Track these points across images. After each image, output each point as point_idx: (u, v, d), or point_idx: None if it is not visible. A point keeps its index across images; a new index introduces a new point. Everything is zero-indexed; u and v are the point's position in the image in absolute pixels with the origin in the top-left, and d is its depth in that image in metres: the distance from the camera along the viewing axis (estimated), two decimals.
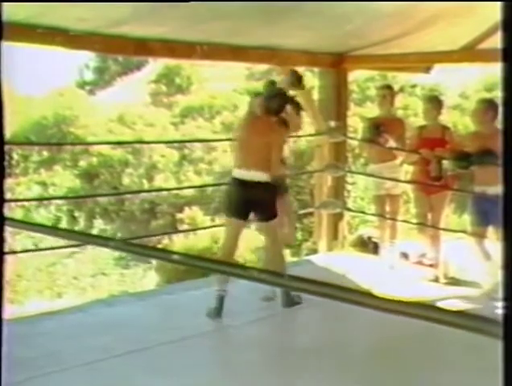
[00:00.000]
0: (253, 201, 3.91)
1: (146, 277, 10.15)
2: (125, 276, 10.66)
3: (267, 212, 3.97)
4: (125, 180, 13.30)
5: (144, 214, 12.46)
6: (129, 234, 11.64)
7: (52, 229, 2.49)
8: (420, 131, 5.08)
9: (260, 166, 3.87)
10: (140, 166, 13.54)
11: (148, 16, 3.83)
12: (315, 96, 5.97)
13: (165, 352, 3.49)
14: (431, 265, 5.03)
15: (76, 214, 12.77)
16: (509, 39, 0.91)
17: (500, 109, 4.58)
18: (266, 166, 3.89)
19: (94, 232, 11.76)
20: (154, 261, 9.34)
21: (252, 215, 4.04)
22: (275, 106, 3.91)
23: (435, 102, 5.08)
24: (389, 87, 5.51)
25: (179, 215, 11.16)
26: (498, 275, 4.58)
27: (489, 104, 4.54)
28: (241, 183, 3.90)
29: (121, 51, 4.78)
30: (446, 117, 5.45)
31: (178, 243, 9.00)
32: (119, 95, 18.72)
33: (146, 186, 12.63)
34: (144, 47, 4.42)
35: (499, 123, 4.60)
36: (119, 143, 13.82)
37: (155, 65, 19.53)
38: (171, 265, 7.77)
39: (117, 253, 10.24)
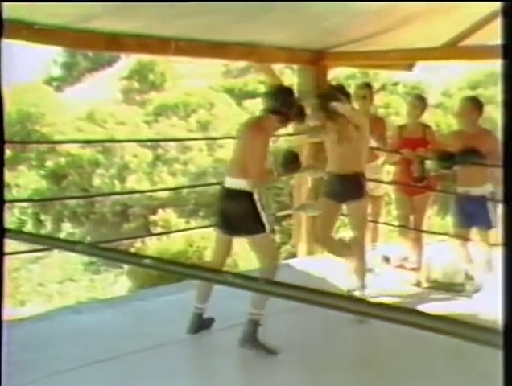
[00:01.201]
0: (231, 211, 3.50)
1: (117, 282, 9.88)
2: (95, 282, 10.34)
3: (246, 225, 3.48)
4: (96, 181, 12.95)
5: (116, 216, 12.16)
6: (99, 237, 11.34)
7: (53, 240, 2.28)
8: (400, 131, 4.98)
9: (237, 171, 3.46)
10: (111, 166, 13.21)
11: (121, 10, 3.63)
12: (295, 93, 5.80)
13: (137, 360, 3.35)
14: (413, 269, 4.92)
15: (43, 217, 12.38)
16: (509, 37, 0.90)
17: (484, 108, 4.49)
18: (244, 172, 3.42)
19: (62, 235, 11.42)
20: (125, 266, 9.08)
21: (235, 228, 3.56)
22: (275, 104, 3.54)
23: (419, 101, 4.97)
24: (368, 85, 5.39)
25: (152, 218, 10.92)
26: (480, 277, 4.50)
27: (473, 103, 4.44)
28: (224, 191, 3.56)
29: (91, 46, 4.55)
30: (428, 116, 5.34)
31: (151, 246, 8.77)
32: (89, 92, 18.29)
33: (117, 187, 12.33)
34: (116, 42, 4.21)
35: (483, 122, 4.51)
36: (89, 142, 13.42)
37: (127, 61, 19.10)
38: (143, 270, 7.54)
39: (86, 258, 9.95)
